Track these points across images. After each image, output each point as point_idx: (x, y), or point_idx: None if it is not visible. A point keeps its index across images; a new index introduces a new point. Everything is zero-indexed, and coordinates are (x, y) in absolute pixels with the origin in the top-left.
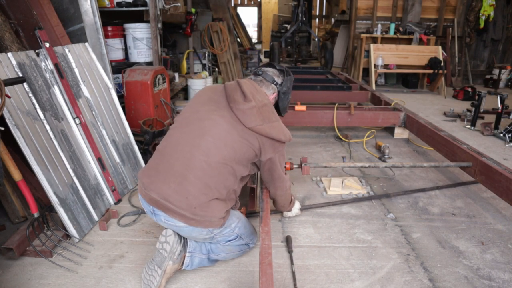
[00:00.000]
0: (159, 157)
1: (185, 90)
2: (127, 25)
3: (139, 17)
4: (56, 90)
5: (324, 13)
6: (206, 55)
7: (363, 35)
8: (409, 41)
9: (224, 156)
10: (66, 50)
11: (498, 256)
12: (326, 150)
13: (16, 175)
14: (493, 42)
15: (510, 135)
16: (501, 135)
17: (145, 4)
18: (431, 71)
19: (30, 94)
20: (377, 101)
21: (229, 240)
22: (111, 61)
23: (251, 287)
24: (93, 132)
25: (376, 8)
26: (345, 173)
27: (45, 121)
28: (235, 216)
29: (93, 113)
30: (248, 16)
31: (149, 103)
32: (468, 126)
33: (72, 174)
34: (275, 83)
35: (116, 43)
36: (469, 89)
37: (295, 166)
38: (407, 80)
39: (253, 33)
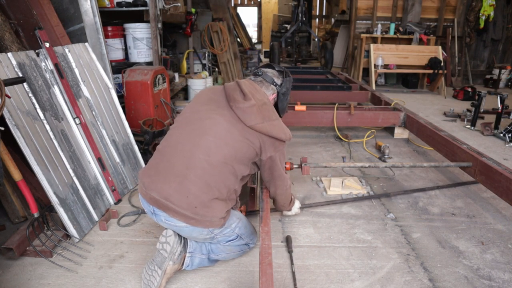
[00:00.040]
0: (160, 156)
1: (185, 90)
2: (127, 25)
3: (139, 17)
4: (56, 90)
5: (324, 13)
6: (206, 55)
7: (363, 35)
8: (409, 41)
9: (225, 155)
10: (66, 50)
11: (498, 256)
12: (326, 150)
13: (16, 175)
14: (493, 42)
15: (510, 135)
16: (501, 135)
17: (145, 4)
18: (431, 71)
19: (30, 94)
20: (377, 101)
21: (230, 240)
22: (111, 61)
23: (251, 287)
24: (93, 132)
25: (376, 8)
26: (345, 173)
27: (45, 121)
28: (236, 216)
29: (93, 113)
30: (248, 16)
31: (149, 103)
32: (468, 126)
33: (72, 174)
34: (274, 84)
35: (116, 43)
36: (469, 89)
37: (295, 166)
38: (407, 80)
39: (253, 33)
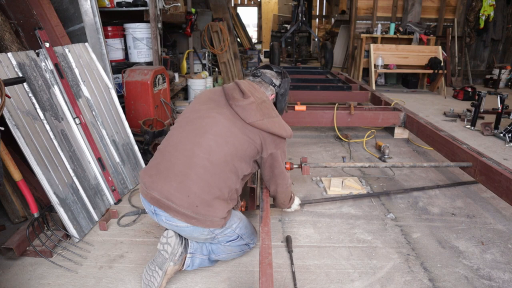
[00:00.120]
0: (160, 156)
1: (185, 90)
2: (127, 25)
3: (139, 17)
4: (56, 90)
5: (324, 13)
6: (206, 55)
7: (363, 35)
8: (409, 41)
9: (226, 153)
10: (66, 50)
11: (498, 256)
12: (326, 150)
13: (16, 175)
14: (493, 42)
15: (510, 135)
16: (501, 135)
17: (145, 4)
18: (431, 71)
19: (30, 94)
20: (377, 101)
21: (230, 241)
22: (111, 61)
23: (251, 287)
24: (93, 132)
25: (376, 8)
26: (345, 173)
27: (45, 121)
28: (237, 216)
29: (93, 113)
30: (248, 16)
31: (149, 103)
32: (468, 126)
33: (72, 174)
34: (273, 84)
35: (116, 43)
36: (469, 89)
37: (295, 166)
38: (407, 80)
39: (253, 33)
